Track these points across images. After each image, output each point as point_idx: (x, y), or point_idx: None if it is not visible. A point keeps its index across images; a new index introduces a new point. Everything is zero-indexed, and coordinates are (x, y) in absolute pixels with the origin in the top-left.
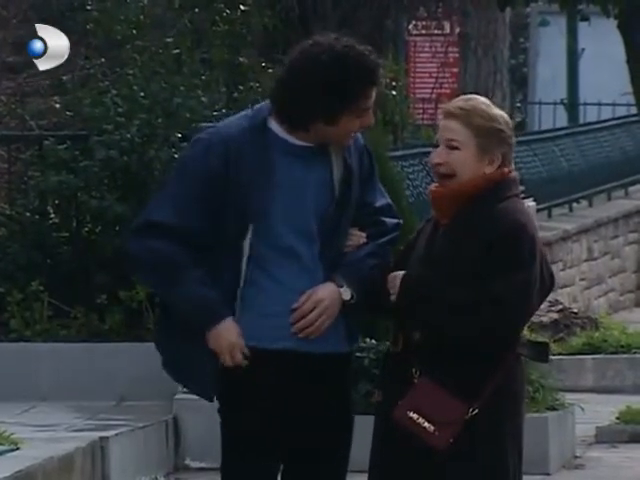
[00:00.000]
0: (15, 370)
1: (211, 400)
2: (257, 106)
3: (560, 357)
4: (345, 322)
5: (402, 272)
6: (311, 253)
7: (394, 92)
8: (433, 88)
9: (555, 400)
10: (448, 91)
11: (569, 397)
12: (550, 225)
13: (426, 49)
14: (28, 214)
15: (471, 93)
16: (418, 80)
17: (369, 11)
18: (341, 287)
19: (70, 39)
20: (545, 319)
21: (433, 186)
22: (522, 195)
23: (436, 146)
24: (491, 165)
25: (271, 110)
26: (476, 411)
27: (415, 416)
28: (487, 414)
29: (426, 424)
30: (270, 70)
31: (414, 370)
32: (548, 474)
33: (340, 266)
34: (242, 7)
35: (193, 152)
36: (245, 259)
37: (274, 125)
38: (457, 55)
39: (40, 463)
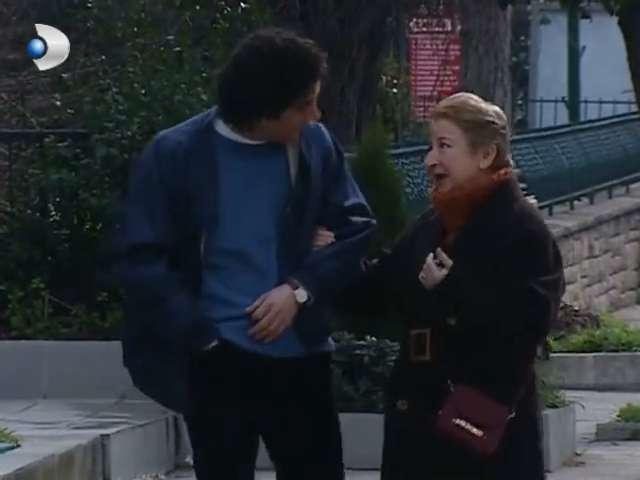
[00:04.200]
0: (16, 368)
1: (184, 412)
2: (208, 110)
3: (561, 355)
4: (297, 325)
5: (443, 261)
6: (266, 255)
7: (395, 90)
8: (434, 86)
9: (556, 398)
10: (449, 89)
11: (570, 395)
12: (551, 223)
13: (427, 47)
14: (29, 212)
15: (472, 91)
16: (419, 78)
17: (370, 8)
18: (296, 289)
19: (71, 37)
20: None
21: (434, 189)
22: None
23: (430, 148)
24: (486, 159)
25: (220, 116)
26: (514, 413)
27: (463, 423)
28: (523, 415)
29: (474, 430)
30: None
31: (448, 380)
32: (549, 471)
33: (299, 267)
34: (243, 5)
35: (145, 163)
36: (202, 267)
37: (221, 126)
38: (458, 53)
39: (41, 460)
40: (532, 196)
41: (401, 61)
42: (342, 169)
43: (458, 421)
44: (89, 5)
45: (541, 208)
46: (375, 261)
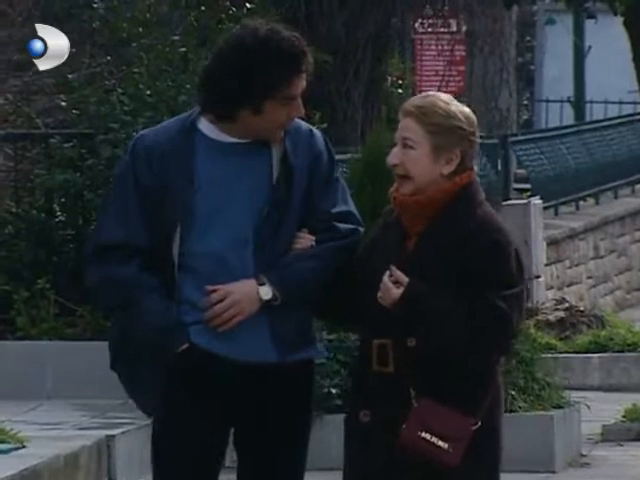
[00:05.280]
0: (21, 368)
1: (154, 416)
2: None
3: (566, 355)
4: (271, 330)
5: (398, 278)
6: (241, 258)
7: (400, 90)
8: (439, 86)
9: (561, 398)
10: (454, 89)
11: (575, 395)
12: (557, 223)
13: (432, 47)
14: (34, 212)
15: (478, 91)
16: (425, 78)
17: (375, 9)
18: (261, 285)
19: (76, 37)
20: (551, 317)
21: (395, 190)
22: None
23: (394, 146)
24: (449, 164)
25: (201, 108)
26: (479, 424)
27: (428, 436)
28: (487, 426)
29: (440, 442)
30: None
31: (411, 390)
32: (554, 472)
33: (273, 267)
34: (248, 5)
35: (122, 162)
36: (176, 269)
37: (204, 124)
38: (464, 53)
39: (46, 461)
40: (537, 196)
41: (406, 61)
42: (332, 175)
43: (423, 434)
44: (94, 5)
45: (546, 208)
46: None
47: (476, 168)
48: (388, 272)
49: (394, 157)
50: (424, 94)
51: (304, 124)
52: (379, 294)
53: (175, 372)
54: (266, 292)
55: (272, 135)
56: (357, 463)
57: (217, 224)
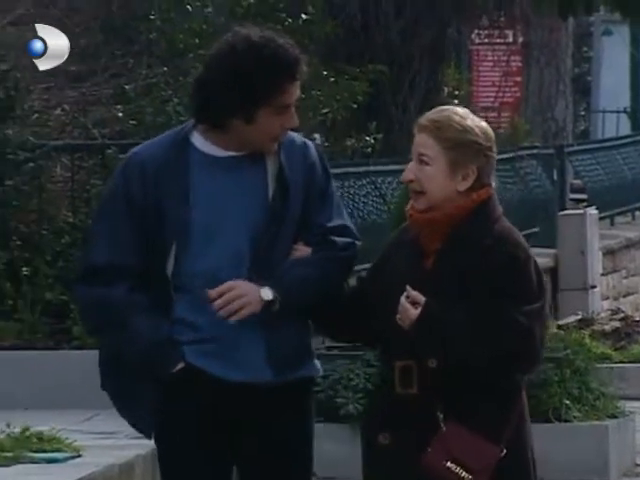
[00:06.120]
0: (77, 378)
1: (150, 438)
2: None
3: (621, 365)
4: (267, 349)
5: (415, 298)
6: (237, 275)
7: (456, 101)
8: (496, 97)
9: (616, 408)
10: (511, 99)
11: (630, 405)
12: (613, 233)
13: (489, 58)
14: (90, 222)
15: (535, 101)
16: (481, 89)
17: (431, 20)
18: (262, 287)
19: (134, 49)
20: (607, 327)
21: (410, 207)
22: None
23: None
24: (465, 181)
25: (194, 121)
26: (505, 451)
27: (453, 466)
28: (514, 452)
29: (464, 474)
30: (331, 79)
31: (438, 413)
32: None
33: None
34: (304, 16)
35: (112, 181)
36: (171, 288)
37: (197, 138)
38: (520, 64)
39: (101, 470)
40: (593, 207)
41: (463, 72)
42: (328, 189)
43: (449, 464)
44: (151, 17)
45: (602, 219)
46: (354, 285)
47: (494, 184)
48: (405, 293)
49: (409, 173)
50: (440, 108)
51: (297, 136)
52: (397, 316)
53: (170, 391)
54: (267, 293)
55: (265, 146)
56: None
57: (213, 242)
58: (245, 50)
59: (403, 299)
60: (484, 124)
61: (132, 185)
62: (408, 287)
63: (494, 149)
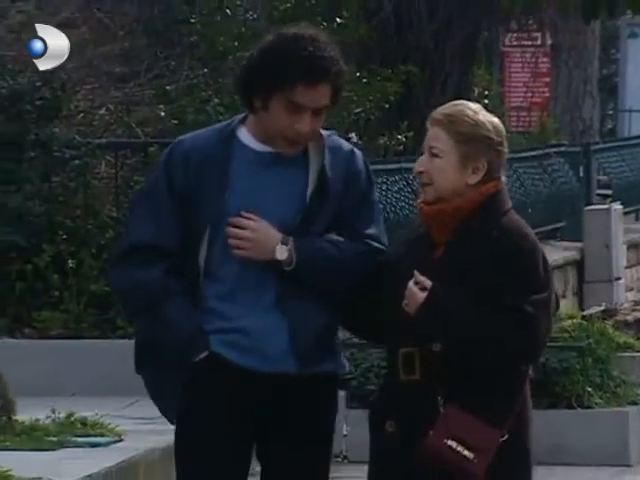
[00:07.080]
0: (121, 366)
1: (171, 422)
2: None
3: None
4: (291, 339)
5: (423, 283)
6: (264, 267)
7: (487, 101)
8: (525, 97)
9: (636, 395)
10: (539, 99)
11: None
12: (637, 227)
13: (518, 60)
14: None
15: (563, 101)
16: (512, 89)
17: (463, 23)
18: (282, 244)
19: (175, 51)
20: (630, 318)
21: (421, 202)
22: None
23: (422, 154)
24: (475, 174)
25: (242, 117)
26: (506, 436)
27: (454, 444)
28: (514, 438)
29: (466, 452)
30: (364, 80)
31: (439, 398)
32: (629, 465)
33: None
34: (339, 20)
35: (156, 169)
36: (201, 274)
37: (243, 133)
38: (549, 65)
39: (142, 454)
40: (618, 202)
41: (493, 73)
42: (369, 198)
43: (450, 442)
44: (192, 20)
45: (627, 213)
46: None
47: (504, 178)
48: (413, 279)
49: (420, 165)
50: (453, 103)
51: (346, 143)
52: (404, 301)
53: (194, 380)
54: (282, 251)
55: (279, 143)
56: (380, 476)
57: None
58: (283, 41)
59: (411, 284)
60: (496, 119)
61: (175, 172)
62: (416, 272)
63: (505, 144)
